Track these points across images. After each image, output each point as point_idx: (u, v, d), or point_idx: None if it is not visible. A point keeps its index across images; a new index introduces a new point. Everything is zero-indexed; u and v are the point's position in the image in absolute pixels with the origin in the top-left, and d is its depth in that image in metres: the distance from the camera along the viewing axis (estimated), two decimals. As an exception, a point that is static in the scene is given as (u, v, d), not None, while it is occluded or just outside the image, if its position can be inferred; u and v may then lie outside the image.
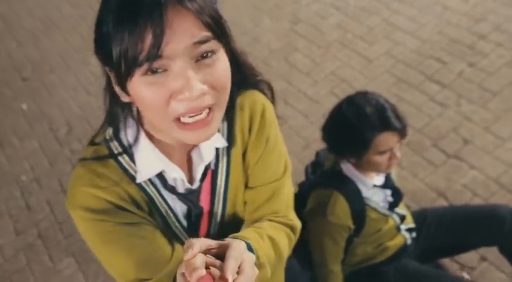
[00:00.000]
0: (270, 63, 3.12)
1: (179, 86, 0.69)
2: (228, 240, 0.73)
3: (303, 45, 3.19)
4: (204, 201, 0.93)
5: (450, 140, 2.42)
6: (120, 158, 0.85)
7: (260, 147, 0.94)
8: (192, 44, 0.68)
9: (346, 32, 3.19)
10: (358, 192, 1.54)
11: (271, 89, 0.97)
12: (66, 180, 2.68)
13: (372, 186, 1.57)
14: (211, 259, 0.67)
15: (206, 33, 0.69)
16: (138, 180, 0.86)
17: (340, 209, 1.52)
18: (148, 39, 0.66)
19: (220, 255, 0.68)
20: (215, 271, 0.64)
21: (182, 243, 0.93)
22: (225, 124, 0.92)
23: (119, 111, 0.83)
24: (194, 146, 0.89)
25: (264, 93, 0.96)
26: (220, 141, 0.91)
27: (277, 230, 0.96)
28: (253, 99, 0.94)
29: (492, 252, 1.88)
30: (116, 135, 0.86)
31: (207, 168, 0.91)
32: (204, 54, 0.70)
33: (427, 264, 1.75)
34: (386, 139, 1.44)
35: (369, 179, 1.56)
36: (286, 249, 0.98)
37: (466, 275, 1.89)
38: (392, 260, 1.70)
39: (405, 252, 1.71)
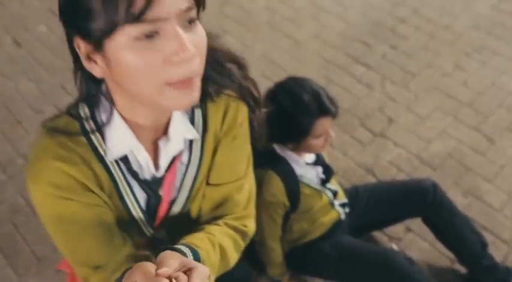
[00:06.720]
0: (200, 46, 3.06)
1: (173, 48, 0.69)
2: (192, 262, 0.73)
3: (232, 28, 3.18)
4: (165, 191, 0.95)
5: (376, 120, 2.54)
6: (92, 136, 0.86)
7: (227, 144, 0.98)
8: (184, 9, 0.70)
9: (274, 14, 3.22)
10: (291, 170, 1.61)
11: (255, 89, 1.01)
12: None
13: (304, 164, 1.64)
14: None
15: (192, 1, 0.72)
16: (109, 158, 0.86)
17: (276, 188, 1.58)
18: None
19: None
20: None
21: (139, 228, 0.97)
22: (200, 116, 0.94)
23: (93, 90, 0.83)
24: (163, 135, 0.90)
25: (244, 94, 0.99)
26: (192, 133, 0.92)
27: (228, 238, 0.99)
28: (228, 95, 0.97)
29: (416, 223, 2.02)
30: (92, 115, 0.86)
31: (173, 158, 0.93)
32: (189, 21, 0.72)
33: (360, 238, 1.86)
34: (323, 123, 1.51)
35: (300, 157, 1.63)
36: (234, 258, 1.01)
37: (394, 246, 2.02)
38: (328, 235, 1.78)
39: (340, 227, 1.80)
